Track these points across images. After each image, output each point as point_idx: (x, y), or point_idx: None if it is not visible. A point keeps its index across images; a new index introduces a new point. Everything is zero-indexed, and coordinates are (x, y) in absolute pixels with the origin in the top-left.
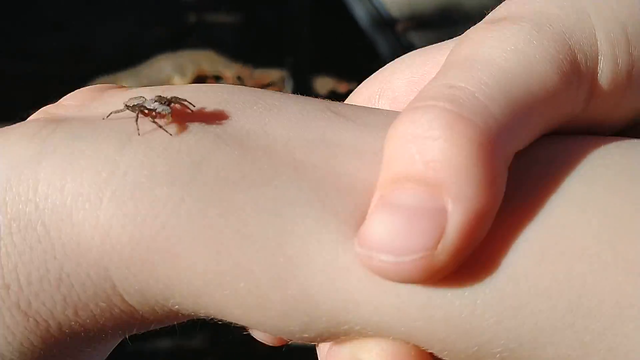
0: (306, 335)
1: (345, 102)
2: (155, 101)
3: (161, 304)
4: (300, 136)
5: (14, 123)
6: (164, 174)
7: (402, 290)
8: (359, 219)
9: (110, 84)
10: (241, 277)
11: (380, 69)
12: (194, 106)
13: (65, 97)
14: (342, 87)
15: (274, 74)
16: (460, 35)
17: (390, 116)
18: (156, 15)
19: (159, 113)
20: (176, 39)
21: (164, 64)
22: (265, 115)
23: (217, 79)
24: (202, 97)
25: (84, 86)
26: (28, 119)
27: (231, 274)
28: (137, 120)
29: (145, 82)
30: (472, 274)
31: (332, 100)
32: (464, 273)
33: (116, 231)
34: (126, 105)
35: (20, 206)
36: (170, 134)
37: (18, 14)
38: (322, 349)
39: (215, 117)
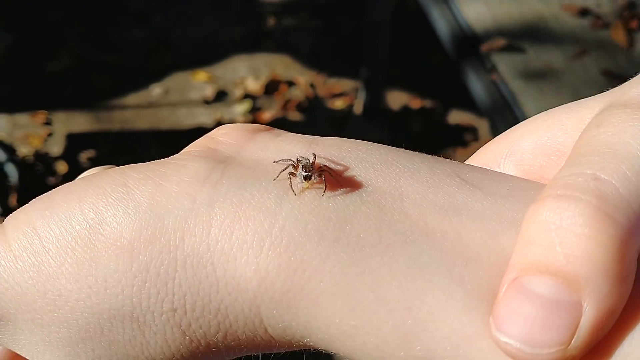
0: None
1: (473, 156)
2: (304, 167)
3: (297, 339)
4: (432, 201)
5: (92, 109)
6: (314, 230)
7: None
8: (485, 290)
9: (262, 125)
10: (371, 333)
11: (510, 129)
12: (337, 175)
13: (219, 130)
14: (414, 103)
15: (347, 84)
16: (544, 54)
17: (515, 186)
18: (236, 16)
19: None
20: (253, 41)
21: (239, 64)
22: (400, 176)
23: (290, 84)
24: (343, 153)
25: (161, 80)
26: (188, 149)
27: (363, 329)
28: (290, 183)
29: (220, 82)
30: None
31: (406, 117)
32: None
33: (271, 278)
34: (280, 164)
35: (195, 245)
36: (322, 194)
37: (104, 5)
38: None
39: (356, 185)
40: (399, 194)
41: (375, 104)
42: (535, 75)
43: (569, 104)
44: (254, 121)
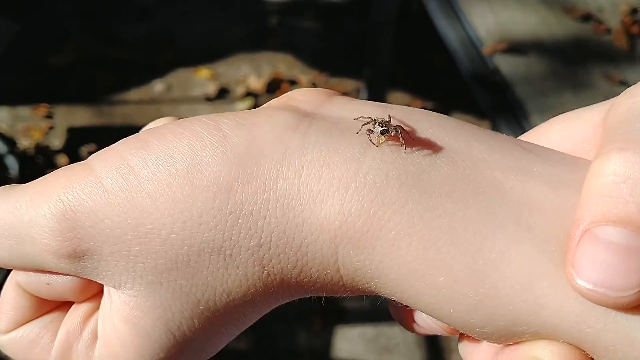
0: (484, 330)
1: None
2: (380, 124)
3: (366, 281)
4: (499, 161)
5: (94, 103)
6: (395, 178)
7: (587, 301)
8: (549, 236)
9: (333, 90)
10: (442, 272)
11: (533, 129)
12: (411, 135)
13: (294, 92)
14: (416, 104)
15: (348, 84)
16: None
17: (565, 155)
18: (240, 14)
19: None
20: (256, 40)
21: (242, 62)
22: (470, 139)
23: (292, 83)
24: (416, 116)
25: (163, 76)
26: (269, 104)
27: (435, 268)
28: (369, 138)
29: (222, 79)
30: None
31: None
32: None
33: (353, 219)
34: (359, 121)
35: (287, 187)
36: (403, 149)
37: (109, 0)
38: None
39: (431, 143)
40: (469, 154)
41: None
42: (538, 78)
43: (591, 106)
44: None
